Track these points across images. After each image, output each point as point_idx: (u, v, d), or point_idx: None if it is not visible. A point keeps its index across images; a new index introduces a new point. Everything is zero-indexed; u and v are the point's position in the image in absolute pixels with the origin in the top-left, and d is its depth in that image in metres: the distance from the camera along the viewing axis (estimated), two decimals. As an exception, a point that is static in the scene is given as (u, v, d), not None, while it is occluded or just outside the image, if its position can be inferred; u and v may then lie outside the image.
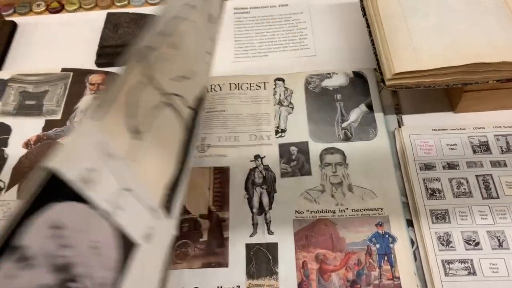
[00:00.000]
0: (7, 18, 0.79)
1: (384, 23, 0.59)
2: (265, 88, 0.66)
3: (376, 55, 0.59)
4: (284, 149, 0.60)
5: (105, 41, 0.71)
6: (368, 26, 0.62)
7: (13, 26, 0.79)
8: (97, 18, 0.78)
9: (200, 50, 0.44)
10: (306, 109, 0.63)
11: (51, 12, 0.82)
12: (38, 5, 0.82)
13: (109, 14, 0.74)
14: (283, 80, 0.66)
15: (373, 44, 0.61)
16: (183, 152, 0.41)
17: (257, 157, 0.60)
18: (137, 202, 0.32)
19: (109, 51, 0.71)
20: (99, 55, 0.71)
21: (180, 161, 0.40)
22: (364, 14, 0.64)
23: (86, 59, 0.73)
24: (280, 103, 0.64)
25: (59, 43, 0.76)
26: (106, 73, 0.69)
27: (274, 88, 0.66)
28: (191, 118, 0.42)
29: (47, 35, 0.78)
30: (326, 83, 0.65)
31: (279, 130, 0.62)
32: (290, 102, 0.64)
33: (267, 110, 0.64)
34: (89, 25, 0.78)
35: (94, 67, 0.71)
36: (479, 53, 0.54)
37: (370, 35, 0.61)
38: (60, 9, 0.82)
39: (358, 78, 0.65)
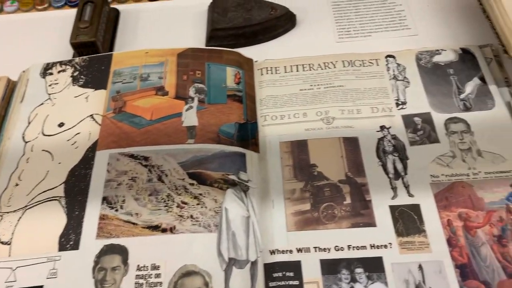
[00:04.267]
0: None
1: (504, 0, 0.62)
2: (377, 65, 0.69)
3: (494, 29, 0.63)
4: (408, 120, 0.63)
5: (217, 24, 0.74)
6: (480, 3, 0.66)
7: (117, 12, 0.83)
8: (198, 3, 0.81)
9: None
10: (422, 82, 0.67)
11: (150, 0, 0.85)
12: (136, -7, 0.85)
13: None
14: (393, 57, 0.70)
15: (489, 21, 0.64)
16: None
17: (383, 127, 0.63)
18: None
19: (221, 34, 0.74)
20: (211, 37, 0.75)
21: None
22: (475, -7, 0.67)
23: (192, 42, 0.76)
24: (395, 77, 0.67)
25: (163, 29, 0.80)
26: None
27: (387, 65, 0.69)
28: None
29: (151, 21, 0.81)
30: (437, 58, 0.69)
31: (399, 103, 0.65)
32: (405, 77, 0.67)
33: (383, 85, 0.67)
34: (190, 10, 0.81)
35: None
36: None
37: (484, 11, 0.65)
38: (158, -4, 0.85)
39: (466, 54, 0.69)
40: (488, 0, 0.64)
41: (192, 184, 0.55)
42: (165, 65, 0.67)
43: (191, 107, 0.62)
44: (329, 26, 0.77)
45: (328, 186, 0.58)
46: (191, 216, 0.53)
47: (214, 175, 0.56)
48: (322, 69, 0.70)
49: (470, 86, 0.66)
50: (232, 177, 0.56)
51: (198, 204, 0.54)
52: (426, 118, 0.63)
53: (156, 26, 0.80)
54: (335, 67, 0.70)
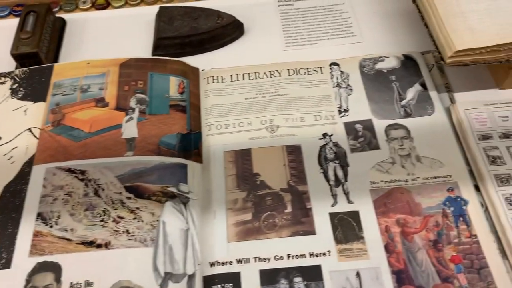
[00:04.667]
0: (56, 15, 0.81)
1: (439, 8, 0.63)
2: (322, 72, 0.70)
3: (431, 37, 0.64)
4: (349, 127, 0.64)
5: (163, 33, 0.74)
6: (419, 11, 0.67)
7: (63, 22, 0.81)
8: (145, 13, 0.81)
9: None
10: (365, 90, 0.67)
11: (97, 9, 0.84)
12: (84, 2, 0.84)
13: (161, 8, 0.77)
14: (337, 64, 0.71)
15: (427, 28, 0.65)
16: None
17: (325, 135, 0.63)
18: None
19: (167, 43, 0.74)
20: (157, 46, 0.74)
21: None
22: (414, 1, 0.68)
23: (139, 52, 0.75)
24: (338, 85, 0.68)
25: (110, 38, 0.79)
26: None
27: (331, 72, 0.70)
28: None
29: (98, 30, 0.80)
30: (380, 65, 0.70)
31: (342, 110, 0.66)
32: (348, 84, 0.68)
33: (327, 92, 0.68)
34: (137, 20, 0.80)
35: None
36: (530, 31, 0.59)
37: (423, 18, 0.66)
38: (106, 5, 0.84)
39: (408, 61, 0.70)
40: (425, 7, 0.66)
41: (129, 198, 0.55)
42: (107, 76, 0.66)
43: (131, 118, 0.61)
44: (277, 34, 0.78)
45: (270, 195, 0.58)
46: (127, 231, 0.52)
47: (152, 188, 0.55)
48: (267, 77, 0.70)
49: (411, 93, 0.67)
50: (172, 189, 0.56)
51: (134, 218, 0.53)
52: (367, 125, 0.64)
53: (104, 36, 0.79)
54: (280, 76, 0.70)
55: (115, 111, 0.62)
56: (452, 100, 0.67)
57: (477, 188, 0.58)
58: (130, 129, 0.60)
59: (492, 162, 0.59)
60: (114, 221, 0.53)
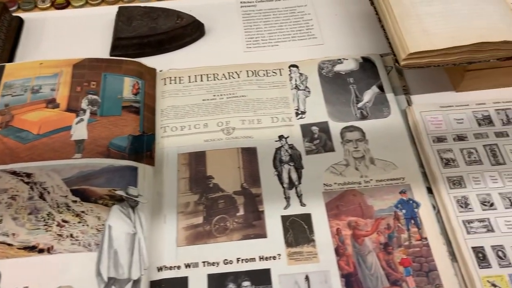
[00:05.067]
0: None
1: (394, 10, 0.64)
2: (281, 74, 0.69)
3: (387, 39, 0.64)
4: (306, 129, 0.63)
5: (120, 33, 0.73)
6: (376, 13, 0.67)
7: (20, 21, 0.79)
8: (106, 13, 0.79)
9: None
10: (322, 92, 0.67)
11: (57, 8, 0.82)
12: (43, 1, 0.82)
13: (121, 8, 0.76)
14: (297, 66, 0.70)
15: (383, 30, 0.65)
16: None
17: (281, 137, 0.63)
18: None
19: (125, 43, 0.73)
20: (115, 47, 0.73)
21: None
22: (372, 3, 0.68)
23: (99, 52, 0.74)
24: (297, 87, 0.68)
25: (69, 38, 0.77)
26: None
27: (290, 74, 0.69)
28: None
29: (57, 30, 0.79)
30: (338, 68, 0.70)
31: (299, 112, 0.65)
32: (306, 86, 0.68)
33: (285, 94, 0.67)
34: (98, 19, 0.79)
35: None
36: (483, 34, 0.60)
37: (380, 21, 0.66)
38: (66, 5, 0.82)
39: (366, 63, 0.70)
40: (382, 9, 0.66)
41: (75, 202, 0.53)
42: (60, 77, 0.64)
43: (82, 120, 0.60)
44: (238, 35, 0.77)
45: (223, 198, 0.58)
46: (71, 235, 0.51)
47: (99, 191, 0.54)
48: (226, 79, 0.69)
49: (368, 95, 0.67)
50: (120, 192, 0.54)
51: (79, 222, 0.52)
52: (323, 127, 0.64)
53: (63, 36, 0.78)
54: (239, 77, 0.69)
55: (66, 113, 0.61)
56: (409, 102, 0.67)
57: (429, 190, 0.58)
58: (79, 131, 0.59)
59: (445, 164, 0.60)
60: (58, 225, 0.52)
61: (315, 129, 0.63)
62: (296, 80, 0.69)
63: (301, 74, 0.69)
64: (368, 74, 0.69)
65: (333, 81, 0.68)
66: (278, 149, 0.62)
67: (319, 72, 0.69)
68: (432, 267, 0.52)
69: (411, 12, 0.63)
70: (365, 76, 0.68)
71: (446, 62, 0.61)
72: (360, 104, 0.66)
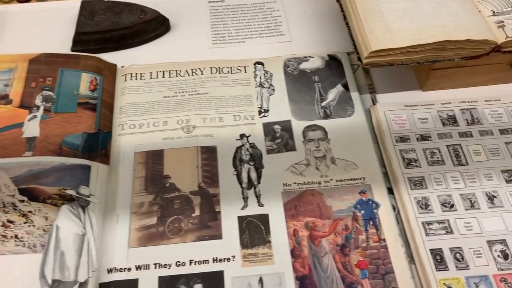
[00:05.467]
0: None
1: (358, 6, 0.62)
2: (245, 72, 0.68)
3: (351, 36, 0.63)
4: (268, 128, 0.62)
5: (82, 28, 0.71)
6: (342, 10, 0.66)
7: (-20, 14, 0.77)
8: (70, 7, 0.77)
9: None
10: (287, 90, 0.66)
11: (20, 2, 0.80)
12: (6, -6, 0.80)
13: (83, 2, 0.74)
14: (262, 63, 0.69)
15: (348, 27, 0.64)
16: None
17: (242, 135, 0.61)
18: None
19: (86, 38, 0.71)
20: (76, 41, 0.71)
21: None
22: (338, 0, 0.67)
23: (61, 47, 0.72)
24: (261, 85, 0.66)
25: (31, 32, 0.75)
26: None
27: (254, 72, 0.68)
28: None
29: (18, 24, 0.76)
30: (304, 65, 0.68)
31: (262, 110, 0.64)
32: (271, 84, 0.66)
33: (249, 92, 0.66)
34: (61, 13, 0.77)
35: (71, 54, 0.70)
36: (447, 32, 0.59)
37: (345, 18, 0.65)
38: (29, -2, 0.80)
39: (333, 61, 0.69)
40: (346, 5, 0.65)
41: (22, 201, 0.51)
42: (14, 72, 0.62)
43: (35, 117, 0.58)
44: (204, 31, 0.75)
45: (178, 198, 0.56)
46: (16, 236, 0.49)
47: (49, 190, 0.52)
48: (189, 75, 0.68)
49: (333, 93, 0.66)
50: (70, 192, 0.53)
51: (25, 222, 0.50)
52: (286, 126, 0.62)
53: (24, 30, 0.76)
54: (202, 74, 0.68)
55: (19, 109, 0.59)
56: (374, 101, 0.66)
57: (390, 191, 0.57)
58: (32, 128, 0.57)
59: (407, 164, 0.59)
60: (3, 225, 0.50)
61: (277, 127, 0.62)
62: (260, 78, 0.67)
63: (266, 72, 0.68)
64: (334, 73, 0.67)
65: (298, 79, 0.67)
66: (238, 148, 0.60)
67: (285, 70, 0.68)
68: (388, 270, 0.51)
69: (375, 9, 0.62)
70: (330, 75, 0.67)
71: (410, 60, 0.60)
72: (324, 103, 0.64)
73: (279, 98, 0.65)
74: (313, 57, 0.69)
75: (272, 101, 0.65)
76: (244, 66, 0.68)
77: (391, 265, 0.51)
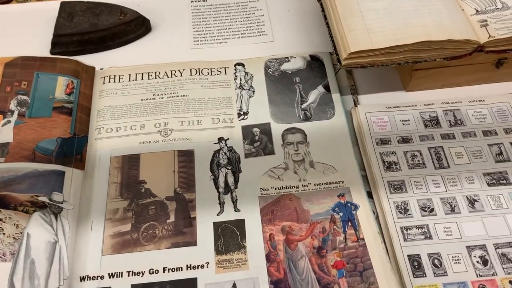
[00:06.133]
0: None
1: (338, 6, 0.61)
2: (225, 73, 0.67)
3: (331, 37, 0.62)
4: (247, 131, 0.61)
5: (60, 29, 0.70)
6: (322, 10, 0.65)
7: (-41, 16, 0.76)
8: (51, 8, 0.76)
9: None
10: (267, 92, 0.65)
11: (1, 3, 0.79)
12: (-14, -4, 0.79)
13: (63, 3, 0.73)
14: (243, 65, 0.68)
15: (328, 27, 0.63)
16: None
17: (221, 139, 0.60)
18: None
19: (65, 40, 0.70)
20: (54, 44, 0.70)
21: None
22: (319, -1, 0.66)
23: (40, 49, 0.71)
24: (241, 87, 0.65)
25: (9, 34, 0.74)
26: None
27: (235, 73, 0.67)
28: None
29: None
30: (285, 66, 0.67)
31: (242, 113, 0.63)
32: (251, 86, 0.65)
33: (228, 94, 0.65)
34: (42, 15, 0.76)
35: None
36: (427, 32, 0.58)
37: (325, 18, 0.64)
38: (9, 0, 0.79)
39: (315, 61, 0.68)
40: (326, 5, 0.63)
41: (-8, 209, 0.51)
42: (-11, 76, 0.61)
43: (8, 122, 0.57)
44: (186, 32, 0.74)
45: (154, 204, 0.55)
46: (-15, 245, 0.49)
47: (20, 197, 0.52)
48: (168, 77, 0.67)
49: (314, 95, 0.64)
50: (43, 198, 0.52)
51: (-5, 230, 0.50)
52: (265, 129, 0.61)
53: (3, 32, 0.75)
54: (181, 76, 0.67)
55: (-8, 114, 0.58)
56: (356, 103, 0.65)
57: (369, 194, 0.56)
58: (5, 134, 0.56)
59: (387, 168, 0.58)
60: (-28, 234, 0.49)
61: (256, 130, 0.61)
62: (241, 79, 0.66)
63: (246, 73, 0.67)
64: (315, 73, 0.66)
65: (279, 80, 0.66)
66: (216, 152, 0.59)
67: (265, 70, 0.67)
68: (367, 266, 0.50)
69: (355, 8, 0.61)
70: (312, 75, 0.66)
71: (390, 61, 0.59)
72: (304, 105, 0.63)
73: (259, 100, 0.64)
74: (294, 57, 0.68)
75: (251, 103, 0.64)
76: (225, 68, 0.67)
77: (370, 262, 0.51)
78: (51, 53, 0.70)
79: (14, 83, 0.61)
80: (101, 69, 0.68)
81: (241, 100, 0.64)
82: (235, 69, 0.67)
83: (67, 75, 0.63)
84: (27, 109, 0.59)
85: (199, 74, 0.67)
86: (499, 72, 0.65)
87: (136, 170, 0.58)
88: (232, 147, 0.60)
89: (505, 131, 0.61)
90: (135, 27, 0.72)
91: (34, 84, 0.61)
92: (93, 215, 0.54)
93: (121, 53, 0.72)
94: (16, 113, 0.58)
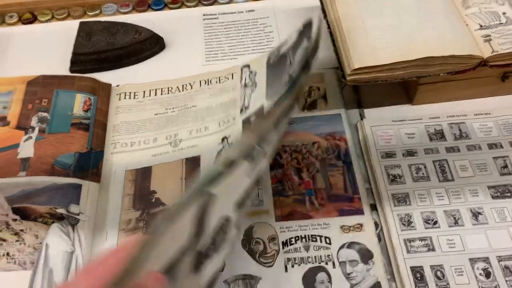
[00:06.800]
0: (-21, 30, 0.80)
1: (343, 23, 0.63)
2: (232, 78, 0.69)
3: (336, 53, 0.64)
4: (246, 123, 0.61)
5: (79, 48, 0.74)
6: (329, 27, 0.67)
7: (-14, 37, 0.81)
8: (71, 27, 0.80)
9: None
10: (266, 80, 0.64)
11: (24, 23, 0.83)
12: (11, 17, 0.83)
13: (82, 23, 0.77)
14: (248, 66, 0.68)
15: (334, 44, 0.65)
16: None
17: (223, 139, 0.62)
18: None
19: (83, 58, 0.73)
20: (73, 62, 0.74)
21: None
22: (325, 16, 0.68)
23: (60, 67, 0.75)
24: (246, 85, 0.66)
25: (32, 53, 0.78)
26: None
27: (241, 75, 0.68)
28: None
29: (21, 45, 0.80)
30: (283, 49, 0.66)
31: (243, 108, 0.64)
32: (254, 82, 0.66)
33: (234, 96, 0.66)
34: (63, 34, 0.80)
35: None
36: (430, 48, 0.59)
37: (331, 35, 0.66)
38: (33, 20, 0.83)
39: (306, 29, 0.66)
40: (332, 22, 0.65)
41: (15, 220, 0.54)
42: (13, 94, 0.65)
43: (30, 138, 0.61)
44: (198, 48, 0.77)
45: (164, 215, 0.58)
46: (7, 254, 0.52)
47: (40, 209, 0.55)
48: (180, 91, 0.69)
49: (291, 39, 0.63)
50: (61, 210, 0.55)
51: (17, 241, 0.53)
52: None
53: (27, 51, 0.79)
54: (192, 88, 0.69)
55: (15, 130, 0.62)
56: (362, 117, 0.66)
57: (373, 207, 0.57)
58: (26, 149, 0.60)
59: (392, 180, 0.59)
60: (-4, 244, 0.52)
61: (253, 119, 0.62)
62: (246, 79, 0.67)
63: (251, 72, 0.68)
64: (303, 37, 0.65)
65: (277, 65, 0.65)
66: (219, 152, 0.61)
67: (268, 64, 0.66)
68: (368, 288, 0.51)
69: (360, 24, 0.62)
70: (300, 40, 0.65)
71: (394, 77, 0.60)
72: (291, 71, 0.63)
73: (259, 92, 0.64)
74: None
75: (253, 97, 0.65)
76: (232, 73, 0.69)
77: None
78: (70, 71, 0.74)
79: (35, 100, 0.64)
80: (117, 85, 0.71)
81: (245, 97, 0.65)
82: (241, 72, 0.69)
83: (85, 92, 0.66)
84: (47, 125, 0.62)
85: (208, 84, 0.69)
86: (505, 85, 0.65)
87: (148, 182, 0.61)
88: (232, 142, 0.61)
89: (511, 144, 0.61)
90: (150, 45, 0.75)
91: (53, 101, 0.65)
92: (108, 226, 0.57)
93: (137, 70, 0.75)
94: (37, 129, 0.62)
